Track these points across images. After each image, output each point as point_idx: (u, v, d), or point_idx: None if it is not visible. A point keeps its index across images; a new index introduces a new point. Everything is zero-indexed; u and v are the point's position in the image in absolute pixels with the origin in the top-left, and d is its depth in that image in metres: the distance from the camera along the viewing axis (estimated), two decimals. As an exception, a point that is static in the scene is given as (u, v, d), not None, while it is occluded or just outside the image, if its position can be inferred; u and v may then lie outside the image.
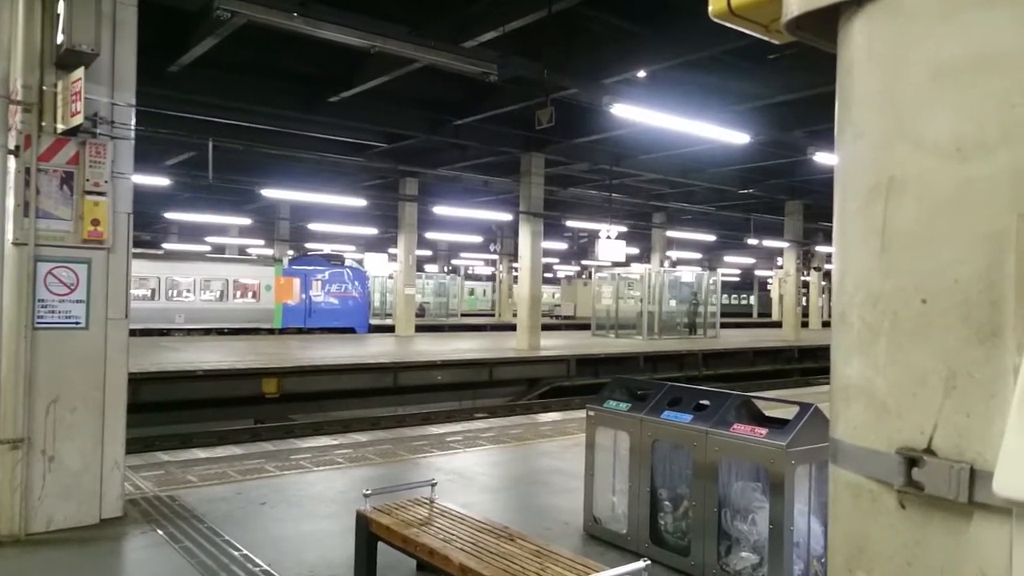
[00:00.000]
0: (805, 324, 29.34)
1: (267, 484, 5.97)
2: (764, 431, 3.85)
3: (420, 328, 24.04)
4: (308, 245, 33.88)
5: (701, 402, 4.33)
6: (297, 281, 24.53)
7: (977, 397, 1.10)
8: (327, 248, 34.09)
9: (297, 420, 12.81)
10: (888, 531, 1.21)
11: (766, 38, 1.59)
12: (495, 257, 35.78)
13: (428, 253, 40.11)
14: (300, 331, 24.15)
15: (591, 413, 4.86)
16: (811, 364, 21.90)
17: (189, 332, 22.27)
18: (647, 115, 10.56)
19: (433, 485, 4.11)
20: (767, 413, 4.18)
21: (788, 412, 3.92)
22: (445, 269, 41.62)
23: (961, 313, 1.12)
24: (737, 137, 12.32)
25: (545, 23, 9.45)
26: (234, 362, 13.71)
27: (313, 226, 26.47)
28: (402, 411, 13.96)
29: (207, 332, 22.51)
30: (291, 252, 30.66)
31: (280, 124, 14.76)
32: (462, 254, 42.65)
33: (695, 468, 4.13)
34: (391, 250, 31.27)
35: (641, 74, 11.36)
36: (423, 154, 18.64)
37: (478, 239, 32.57)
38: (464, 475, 6.44)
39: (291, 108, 13.60)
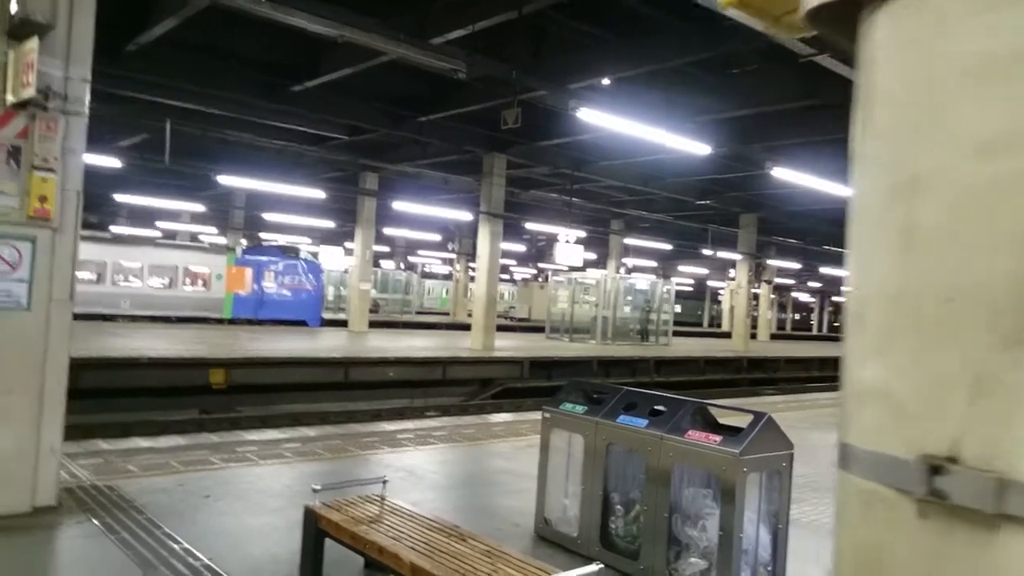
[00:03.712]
0: (754, 336, 29.88)
1: (211, 476, 5.82)
2: (718, 438, 3.87)
3: (374, 324, 23.80)
4: (263, 235, 33.26)
5: (657, 407, 4.34)
6: (249, 271, 24.06)
7: (1006, 404, 1.05)
8: (282, 239, 33.53)
9: (244, 412, 12.54)
10: (906, 542, 1.15)
11: (771, 32, 1.57)
12: (453, 256, 35.66)
13: (386, 249, 39.75)
14: (251, 322, 23.70)
15: (547, 415, 4.85)
16: (760, 375, 22.31)
17: (135, 318, 21.67)
18: (611, 120, 10.63)
19: (384, 482, 4.05)
20: (721, 421, 4.21)
21: (741, 420, 3.96)
22: (401, 266, 41.34)
23: (987, 316, 1.07)
24: (698, 148, 12.46)
25: (514, 24, 9.44)
26: (181, 351, 13.38)
27: (268, 216, 25.94)
28: (352, 407, 13.78)
29: (153, 319, 21.93)
30: (244, 241, 30.07)
31: (239, 111, 14.44)
32: (420, 252, 42.38)
33: (648, 473, 4.14)
34: (348, 244, 30.90)
35: (605, 81, 11.43)
36: (384, 148, 18.48)
37: (436, 237, 32.39)
38: (414, 473, 6.37)
39: (252, 95, 13.33)
